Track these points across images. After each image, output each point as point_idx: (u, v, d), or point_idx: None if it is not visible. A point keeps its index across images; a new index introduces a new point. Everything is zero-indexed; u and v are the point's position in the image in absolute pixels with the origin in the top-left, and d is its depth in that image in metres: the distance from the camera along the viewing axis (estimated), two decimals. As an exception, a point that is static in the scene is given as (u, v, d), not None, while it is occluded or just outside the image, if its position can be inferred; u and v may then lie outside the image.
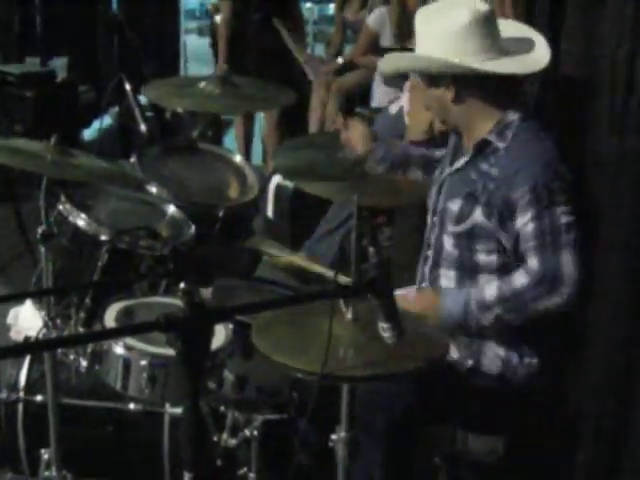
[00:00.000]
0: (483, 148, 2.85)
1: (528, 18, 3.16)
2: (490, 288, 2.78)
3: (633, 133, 2.66)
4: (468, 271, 2.88)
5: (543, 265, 2.69)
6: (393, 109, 5.25)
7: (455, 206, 2.88)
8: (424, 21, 2.84)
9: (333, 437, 2.49)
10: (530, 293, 2.71)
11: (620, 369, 2.73)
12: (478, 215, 2.80)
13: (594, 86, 2.86)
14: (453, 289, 2.90)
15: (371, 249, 2.17)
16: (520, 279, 2.73)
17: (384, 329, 2.11)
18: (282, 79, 5.30)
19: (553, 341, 2.93)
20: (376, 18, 6.19)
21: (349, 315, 2.29)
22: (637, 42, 2.65)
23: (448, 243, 2.92)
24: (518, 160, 2.77)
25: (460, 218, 2.85)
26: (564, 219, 2.70)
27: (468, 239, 2.85)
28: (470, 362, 2.87)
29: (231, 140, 7.31)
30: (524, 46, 2.87)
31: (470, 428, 3.01)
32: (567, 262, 2.69)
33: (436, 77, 2.84)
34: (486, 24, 2.78)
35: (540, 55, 2.85)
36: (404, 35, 5.82)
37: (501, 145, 2.81)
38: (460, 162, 2.93)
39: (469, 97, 2.84)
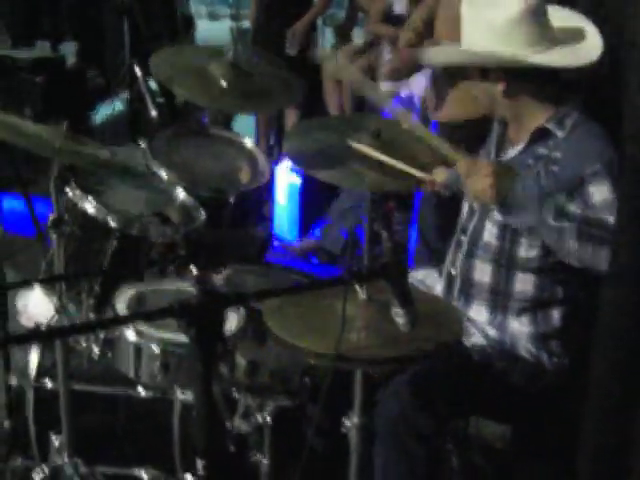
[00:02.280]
0: (541, 136, 2.81)
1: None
2: (571, 204, 2.66)
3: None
4: (505, 265, 2.85)
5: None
6: (403, 93, 5.24)
7: None
8: (472, 10, 2.77)
9: (346, 423, 2.48)
10: (609, 235, 2.56)
11: (627, 358, 2.71)
12: None
13: (624, 73, 2.82)
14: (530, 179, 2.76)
15: (384, 234, 2.16)
16: (608, 217, 2.60)
17: (398, 314, 2.10)
18: (300, 62, 5.28)
19: (582, 342, 2.90)
20: None
21: (362, 295, 2.28)
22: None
23: (490, 233, 2.88)
24: (583, 141, 2.73)
25: None
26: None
27: (514, 230, 2.80)
28: (506, 360, 2.85)
29: (241, 125, 7.29)
30: (576, 36, 2.80)
31: (495, 419, 3.02)
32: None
33: (485, 70, 2.78)
34: (537, 14, 2.72)
35: (592, 46, 2.78)
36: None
37: (560, 134, 2.77)
38: (512, 152, 2.89)
39: (521, 90, 2.79)
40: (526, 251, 2.80)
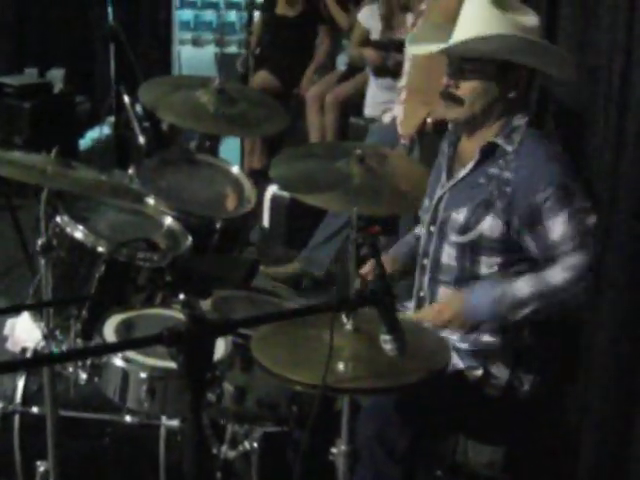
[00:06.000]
0: (490, 152, 2.81)
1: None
2: (522, 286, 2.73)
3: (630, 145, 2.64)
4: (468, 285, 2.85)
5: (587, 261, 2.67)
6: (386, 119, 5.29)
7: (461, 216, 2.83)
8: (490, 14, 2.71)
9: (333, 450, 2.48)
10: (572, 289, 2.68)
11: (620, 386, 2.72)
12: (487, 224, 2.76)
13: (591, 96, 2.85)
14: (480, 288, 2.82)
15: (372, 260, 2.16)
16: (560, 274, 2.68)
17: (386, 341, 2.11)
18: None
19: (555, 358, 2.93)
20: (365, 13, 6.32)
21: (349, 326, 2.28)
22: (631, 52, 2.64)
23: (448, 255, 2.89)
24: (533, 162, 2.73)
25: (466, 228, 2.81)
26: (591, 220, 2.70)
27: (472, 250, 2.82)
28: (480, 372, 2.86)
29: (228, 151, 7.30)
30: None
31: (476, 438, 3.01)
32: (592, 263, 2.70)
33: (510, 69, 2.74)
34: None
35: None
36: (391, 28, 6.01)
37: (509, 148, 2.77)
38: (463, 172, 2.88)
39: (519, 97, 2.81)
40: (487, 268, 2.81)
